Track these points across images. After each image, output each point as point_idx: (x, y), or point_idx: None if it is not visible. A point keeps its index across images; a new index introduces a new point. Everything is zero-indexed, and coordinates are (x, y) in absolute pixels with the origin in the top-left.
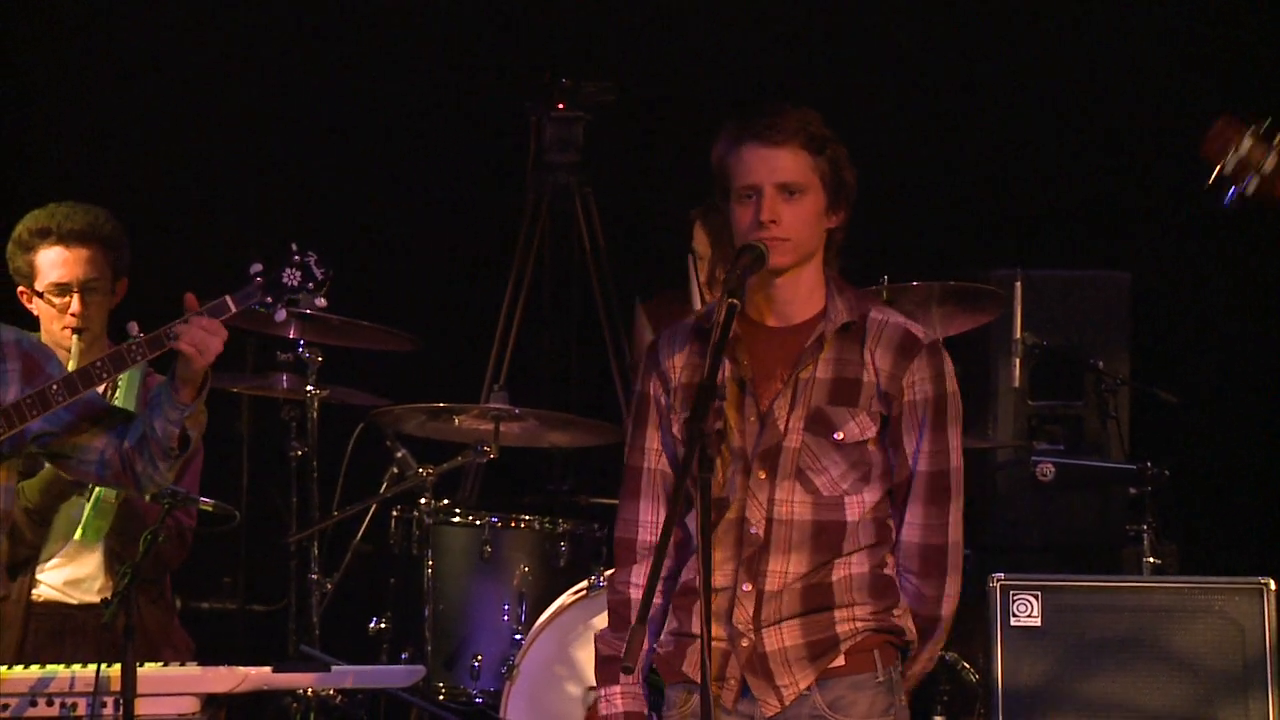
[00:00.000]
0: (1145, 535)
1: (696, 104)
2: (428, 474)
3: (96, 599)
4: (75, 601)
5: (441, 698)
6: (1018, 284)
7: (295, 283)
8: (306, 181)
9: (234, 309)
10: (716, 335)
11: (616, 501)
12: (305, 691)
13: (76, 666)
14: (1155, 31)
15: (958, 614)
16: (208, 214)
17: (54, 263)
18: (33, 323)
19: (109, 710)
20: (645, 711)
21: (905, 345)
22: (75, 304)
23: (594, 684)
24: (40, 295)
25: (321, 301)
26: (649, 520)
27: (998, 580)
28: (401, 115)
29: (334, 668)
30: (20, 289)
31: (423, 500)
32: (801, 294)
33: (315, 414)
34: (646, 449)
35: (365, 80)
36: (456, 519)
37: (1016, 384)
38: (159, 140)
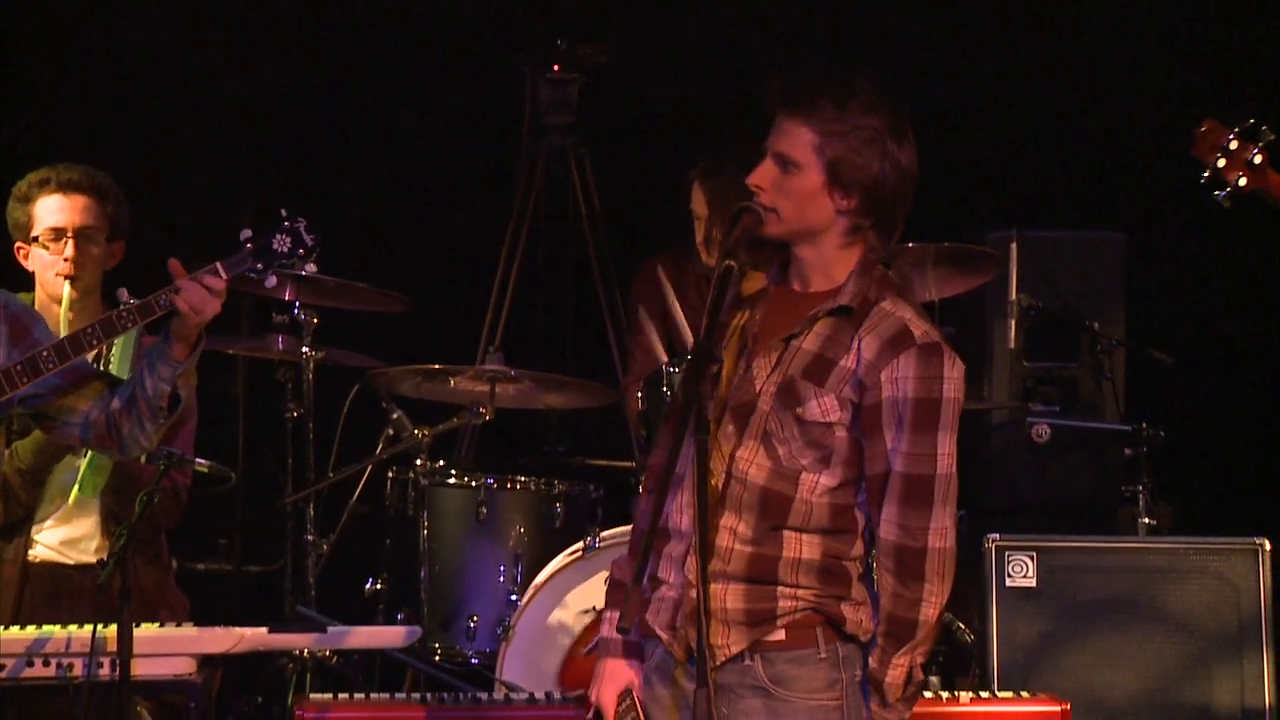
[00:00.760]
0: (1141, 496)
1: (691, 65)
2: (423, 435)
3: (93, 559)
4: (71, 562)
5: (437, 658)
6: (1013, 245)
7: (285, 249)
8: (301, 144)
9: (224, 275)
10: (711, 298)
11: (612, 463)
12: (301, 652)
13: (73, 627)
14: None
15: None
16: (201, 175)
17: (51, 209)
18: (27, 284)
19: (105, 671)
20: (641, 640)
21: (896, 339)
22: (69, 248)
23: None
24: (36, 241)
25: (311, 267)
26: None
27: (993, 541)
28: (396, 77)
29: (330, 629)
30: (18, 245)
31: (418, 461)
32: (822, 265)
33: (311, 376)
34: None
35: (360, 43)
36: (452, 480)
37: (1012, 345)
38: (154, 105)
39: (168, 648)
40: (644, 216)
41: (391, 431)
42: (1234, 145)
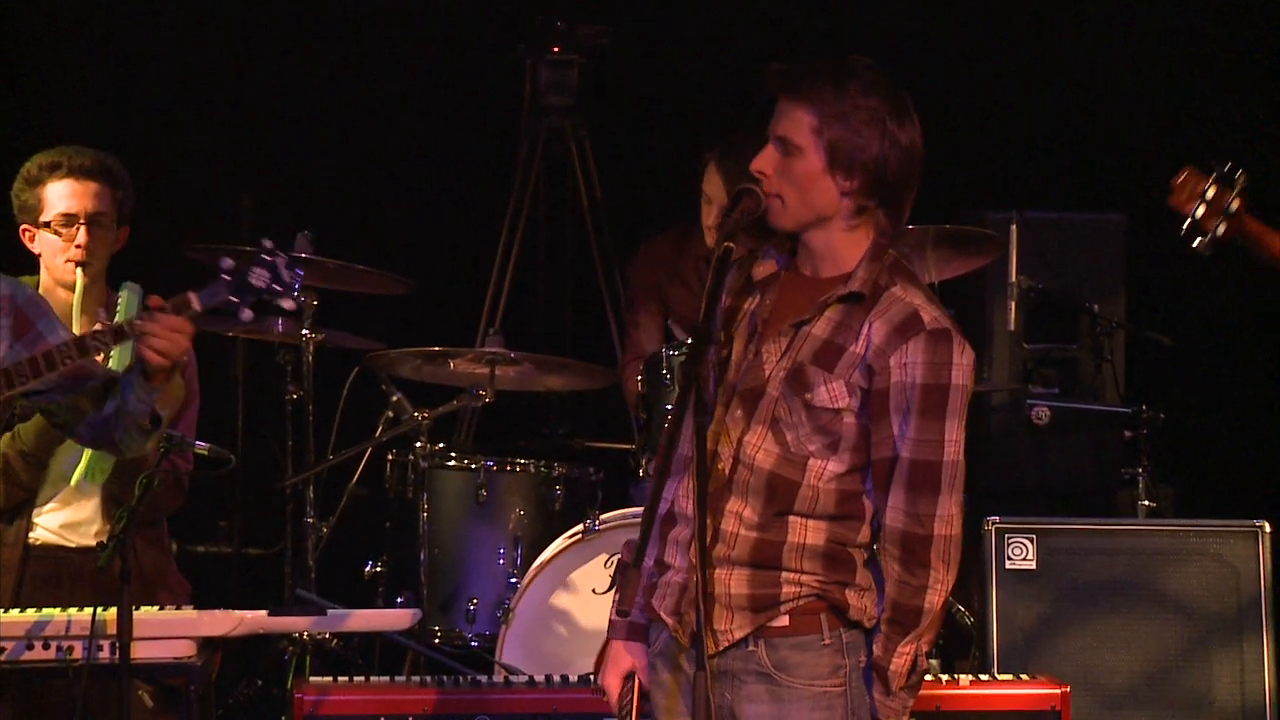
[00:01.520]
0: (1140, 478)
1: (691, 47)
2: (423, 418)
3: (93, 543)
4: (72, 545)
5: (437, 641)
6: (1013, 227)
7: (263, 284)
8: (301, 127)
9: (197, 308)
10: (710, 280)
11: (611, 445)
12: (301, 635)
13: (73, 610)
14: None
15: None
16: (202, 159)
17: (62, 194)
18: (30, 265)
19: (105, 653)
20: (646, 623)
21: (905, 324)
22: (82, 235)
23: (589, 629)
24: (46, 226)
25: (289, 304)
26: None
27: (993, 523)
28: (396, 60)
29: (330, 611)
30: (23, 227)
31: (418, 444)
32: (830, 250)
33: (310, 358)
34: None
35: (359, 25)
36: (452, 463)
37: (1012, 327)
38: (153, 83)
39: (167, 630)
40: (644, 198)
41: (391, 414)
42: (1211, 193)
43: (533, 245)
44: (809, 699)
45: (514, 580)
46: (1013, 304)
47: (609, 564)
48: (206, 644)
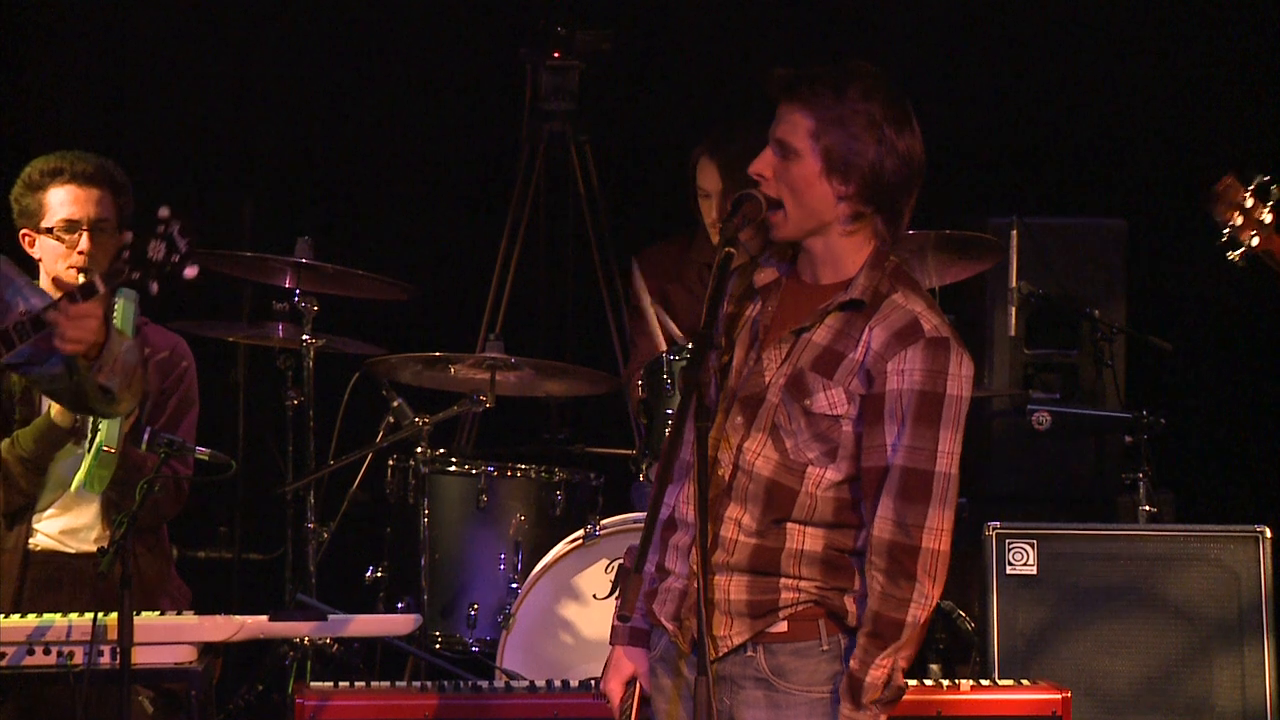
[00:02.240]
0: (1141, 483)
1: (692, 52)
2: (424, 423)
3: (93, 548)
4: (72, 550)
5: (438, 646)
6: (1014, 232)
7: (160, 256)
8: (302, 130)
9: (102, 289)
10: (711, 286)
11: (612, 451)
12: (302, 640)
13: (74, 615)
14: None
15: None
16: (203, 167)
17: (65, 200)
18: (29, 270)
19: (106, 659)
20: (648, 628)
21: (904, 331)
22: (84, 242)
23: (589, 635)
24: (48, 232)
25: (191, 271)
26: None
27: (993, 528)
28: (397, 63)
29: (330, 617)
30: (23, 232)
31: (419, 449)
32: (830, 257)
33: (311, 363)
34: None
35: (361, 27)
36: (453, 468)
37: (1013, 332)
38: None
39: (168, 636)
40: (644, 203)
41: (392, 419)
42: (1249, 204)
43: (533, 250)
44: (806, 705)
45: (515, 585)
46: (1013, 309)
47: (610, 569)
48: (207, 649)
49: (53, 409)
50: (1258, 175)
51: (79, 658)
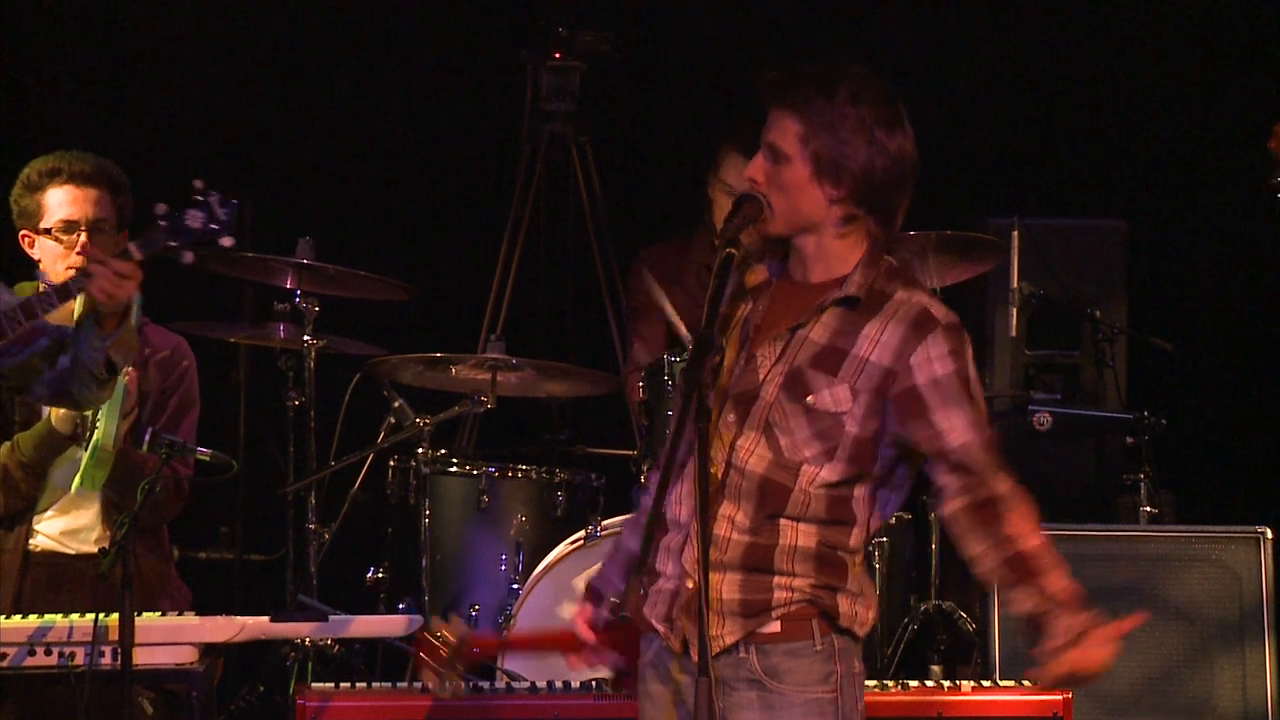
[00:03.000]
0: (1142, 484)
1: (693, 54)
2: (425, 424)
3: (93, 549)
4: (72, 552)
5: None
6: (1015, 233)
7: (199, 225)
8: (303, 131)
9: (139, 256)
10: (712, 286)
11: (613, 452)
12: (303, 641)
13: (74, 616)
14: None
15: (955, 563)
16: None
17: (63, 201)
18: (29, 271)
19: (107, 660)
20: (609, 593)
21: (919, 323)
22: (83, 241)
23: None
24: (47, 233)
25: (228, 241)
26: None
27: None
28: (398, 64)
29: (331, 617)
30: (22, 233)
31: (420, 450)
32: (821, 256)
33: (312, 364)
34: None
35: (361, 30)
36: (454, 469)
37: (1014, 333)
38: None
39: (169, 636)
40: (645, 204)
41: (393, 420)
42: None
43: (534, 251)
44: (800, 705)
45: (516, 586)
46: (1014, 310)
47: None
48: (208, 650)
49: (53, 415)
50: None
51: (80, 658)
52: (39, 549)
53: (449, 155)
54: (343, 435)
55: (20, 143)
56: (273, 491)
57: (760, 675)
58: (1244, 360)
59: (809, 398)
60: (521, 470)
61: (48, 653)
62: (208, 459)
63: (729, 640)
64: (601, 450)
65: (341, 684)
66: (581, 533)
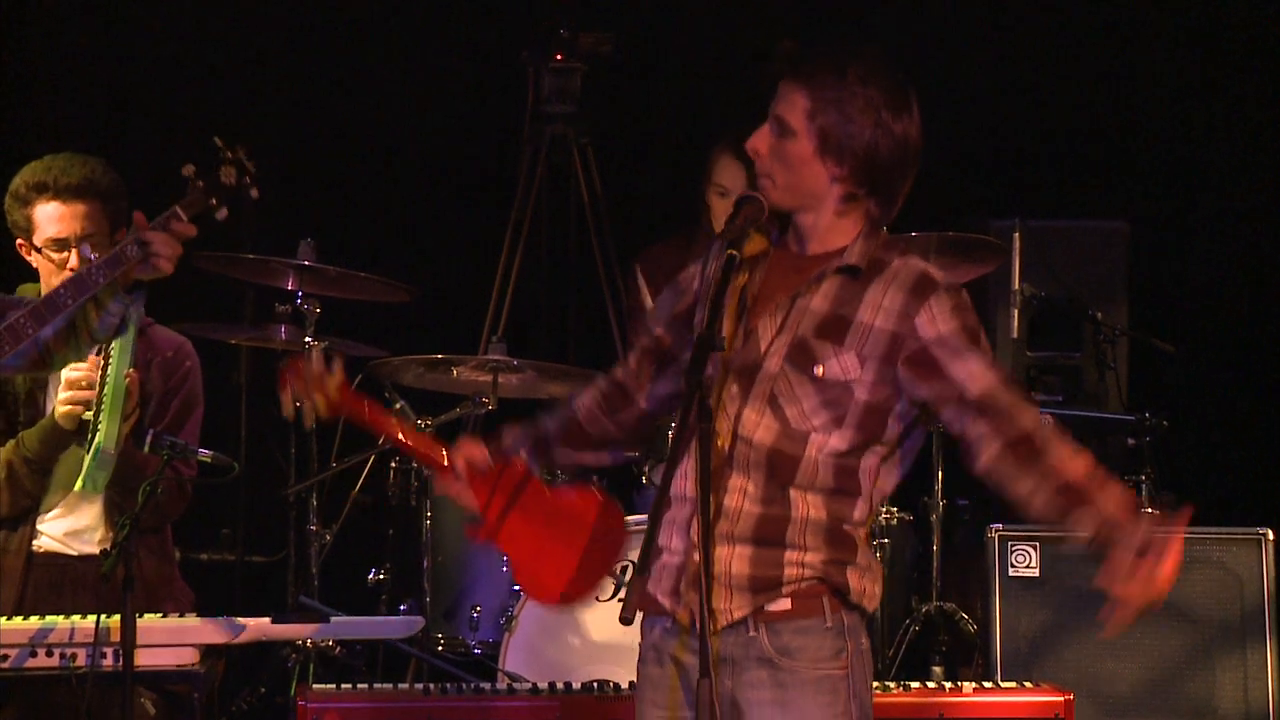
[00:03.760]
0: (1143, 485)
1: (694, 55)
2: (426, 425)
3: (97, 550)
4: (75, 553)
5: (440, 649)
6: (1016, 234)
7: (233, 181)
8: (304, 132)
9: (184, 217)
10: (713, 289)
11: None
12: (304, 642)
13: (76, 617)
14: None
15: (956, 564)
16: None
17: (51, 218)
18: (32, 274)
19: (108, 661)
20: (487, 454)
21: (919, 285)
22: (73, 259)
23: (592, 637)
24: (39, 250)
25: (255, 192)
26: (630, 367)
27: (996, 531)
28: (400, 65)
29: (333, 619)
30: (19, 242)
31: None
32: (819, 232)
33: None
34: (658, 314)
35: (362, 31)
36: None
37: (1015, 335)
38: (156, 94)
39: (171, 638)
40: (646, 205)
41: None
42: None
43: (535, 252)
44: (813, 682)
45: (517, 588)
46: (1015, 311)
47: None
48: (210, 651)
49: (57, 411)
50: None
51: (81, 660)
52: (42, 550)
53: (450, 157)
54: (344, 437)
55: (21, 143)
56: (274, 493)
57: (771, 654)
58: (1245, 362)
59: (816, 368)
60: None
61: (49, 654)
62: (209, 461)
63: (737, 615)
64: None
65: (342, 685)
66: None
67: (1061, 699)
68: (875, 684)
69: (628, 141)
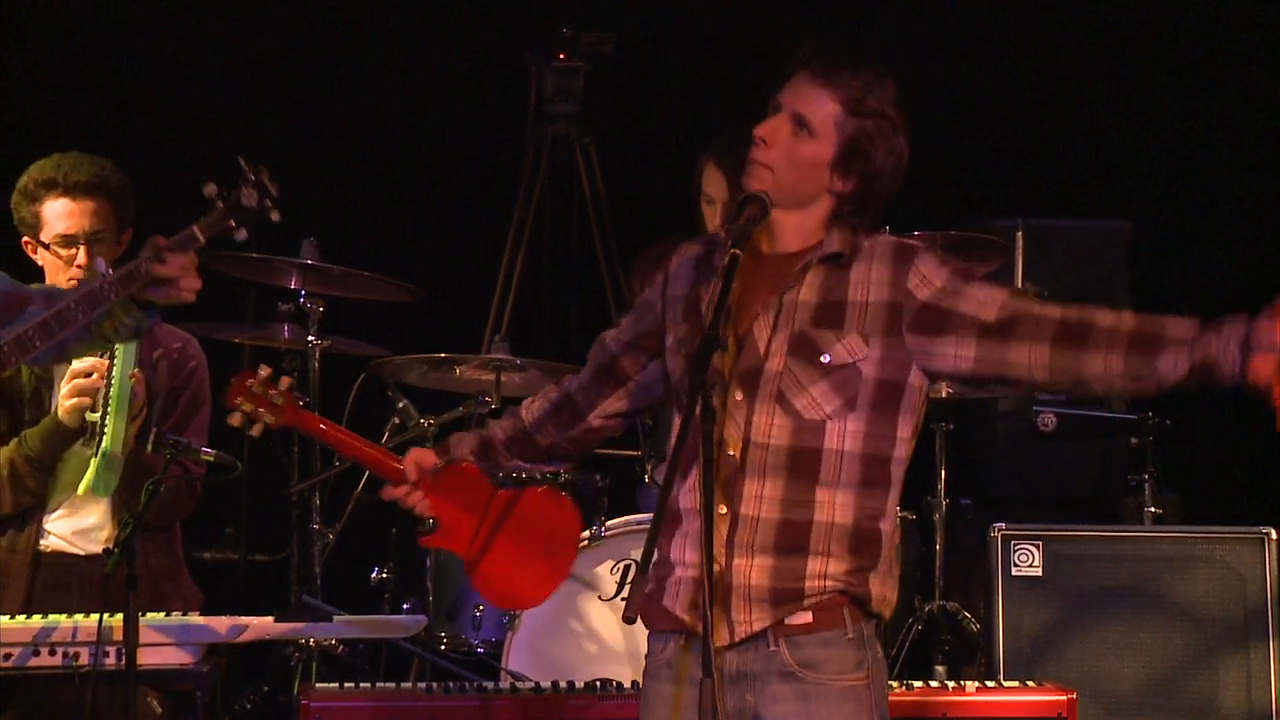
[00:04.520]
0: (1146, 485)
1: (696, 54)
2: (429, 424)
3: (102, 549)
4: (81, 552)
5: (443, 648)
6: (1019, 234)
7: (254, 203)
8: (307, 131)
9: (202, 239)
10: (719, 289)
11: (617, 452)
12: (307, 641)
13: (79, 616)
14: None
15: (959, 564)
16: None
17: (60, 214)
18: (37, 274)
19: (111, 660)
20: (436, 460)
21: (899, 253)
22: (81, 256)
23: (596, 636)
24: (46, 246)
25: (275, 216)
26: (583, 383)
27: (999, 530)
28: (401, 65)
29: (336, 618)
30: (25, 239)
31: None
32: (801, 230)
33: (316, 364)
34: (619, 335)
35: (365, 31)
36: None
37: None
38: (159, 94)
39: (174, 637)
40: (649, 205)
41: (397, 420)
42: None
43: (538, 252)
44: (837, 694)
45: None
46: None
47: (615, 570)
48: (213, 650)
49: (60, 409)
50: None
51: (84, 659)
52: (49, 549)
53: (453, 156)
54: None
55: (24, 143)
56: (278, 492)
57: (794, 667)
58: None
59: (822, 357)
60: (525, 471)
61: (52, 653)
62: (212, 459)
63: (756, 627)
64: (605, 451)
65: (345, 684)
66: (586, 533)
67: (1064, 698)
68: None
69: (630, 141)
